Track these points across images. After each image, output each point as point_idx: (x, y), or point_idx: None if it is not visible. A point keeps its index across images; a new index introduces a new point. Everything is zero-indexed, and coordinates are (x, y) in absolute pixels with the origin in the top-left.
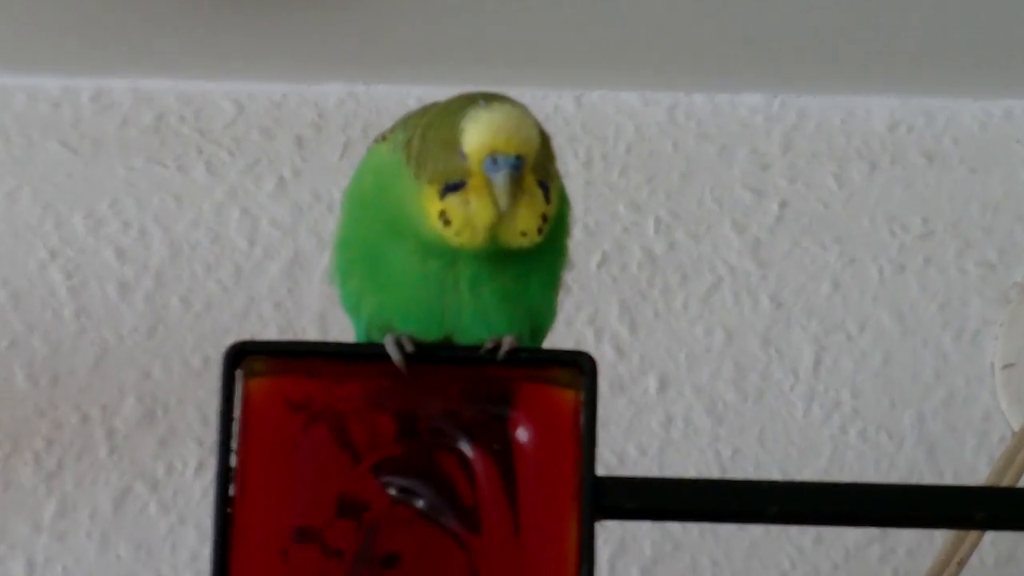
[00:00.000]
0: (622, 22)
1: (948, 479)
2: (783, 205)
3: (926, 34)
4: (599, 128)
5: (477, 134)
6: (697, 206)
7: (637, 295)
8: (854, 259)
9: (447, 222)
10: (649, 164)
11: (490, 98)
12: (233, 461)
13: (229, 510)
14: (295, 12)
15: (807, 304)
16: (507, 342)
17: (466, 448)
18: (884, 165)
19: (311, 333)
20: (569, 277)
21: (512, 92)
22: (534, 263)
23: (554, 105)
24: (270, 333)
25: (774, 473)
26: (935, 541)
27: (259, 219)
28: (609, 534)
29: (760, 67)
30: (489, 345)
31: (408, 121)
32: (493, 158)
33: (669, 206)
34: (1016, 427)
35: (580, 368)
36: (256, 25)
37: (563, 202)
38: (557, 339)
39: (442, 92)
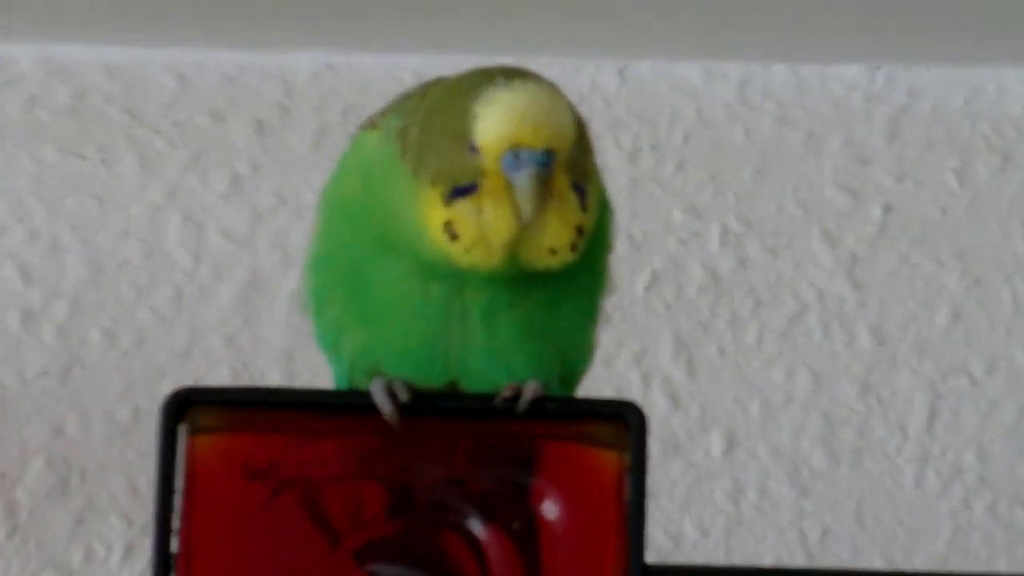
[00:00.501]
0: None
1: None
2: (888, 210)
3: None
4: (649, 110)
5: (494, 122)
6: (776, 211)
7: (697, 327)
8: (979, 280)
9: (454, 236)
10: (714, 157)
11: (510, 74)
12: (174, 545)
13: None
14: None
15: (918, 339)
16: (530, 389)
17: (477, 527)
18: (1020, 158)
19: (274, 377)
20: (610, 304)
21: (537, 63)
22: (565, 288)
23: (591, 80)
24: (221, 377)
25: (876, 560)
26: None
27: (207, 228)
28: None
29: (859, 30)
30: (507, 393)
31: (404, 103)
32: (515, 153)
33: (739, 211)
34: None
35: (624, 423)
36: None
37: (603, 209)
38: (594, 385)
39: (446, 64)
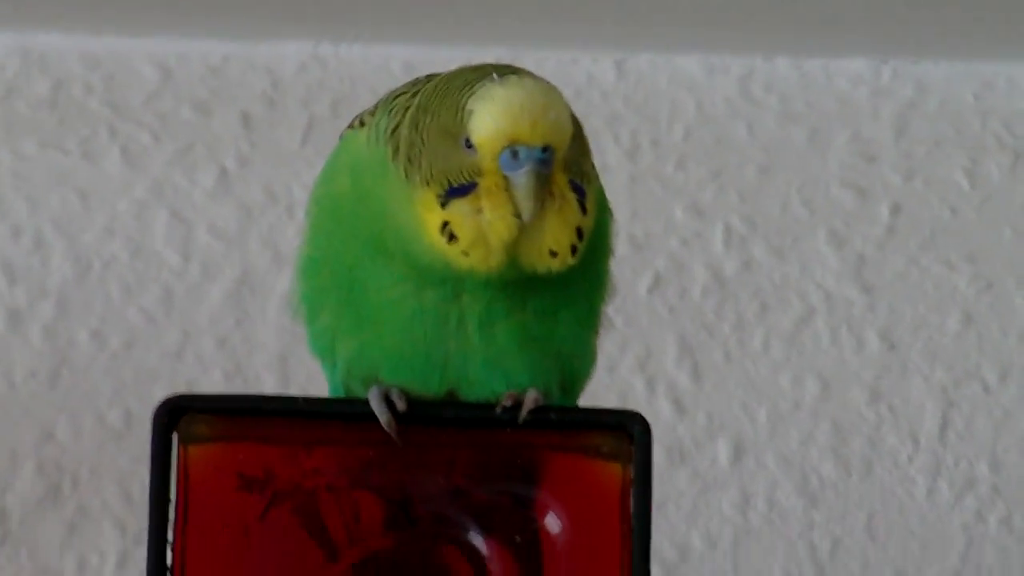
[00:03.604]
0: None
1: None
2: (896, 210)
3: None
4: (648, 105)
5: (491, 118)
6: (781, 211)
7: (701, 331)
8: (991, 283)
9: (452, 238)
10: (716, 154)
11: (503, 70)
12: (168, 556)
13: None
14: None
15: (929, 344)
16: (530, 398)
17: (478, 540)
18: None
19: (268, 382)
20: (611, 308)
21: (532, 56)
22: (564, 294)
23: (587, 73)
24: (213, 382)
25: (887, 573)
26: None
27: (195, 225)
28: None
29: (864, 23)
30: (507, 402)
31: (394, 100)
32: (512, 150)
33: (743, 211)
34: None
35: (628, 433)
36: None
37: (603, 211)
38: (598, 390)
39: (438, 56)
